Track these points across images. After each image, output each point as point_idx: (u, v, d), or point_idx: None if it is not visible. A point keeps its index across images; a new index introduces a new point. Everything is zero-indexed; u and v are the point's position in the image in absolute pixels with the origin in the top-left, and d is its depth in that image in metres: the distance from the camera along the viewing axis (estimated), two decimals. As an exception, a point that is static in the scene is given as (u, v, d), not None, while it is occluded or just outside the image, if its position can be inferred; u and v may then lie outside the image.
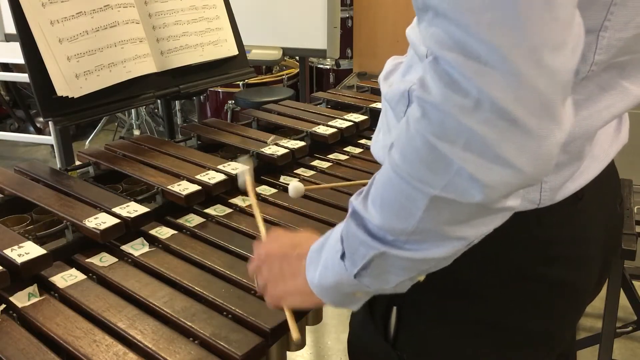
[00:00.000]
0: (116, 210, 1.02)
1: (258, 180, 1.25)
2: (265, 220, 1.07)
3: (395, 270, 0.59)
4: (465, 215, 0.53)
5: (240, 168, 0.94)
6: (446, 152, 0.49)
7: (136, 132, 4.04)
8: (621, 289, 1.66)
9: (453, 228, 0.54)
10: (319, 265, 0.64)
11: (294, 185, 0.95)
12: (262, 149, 1.29)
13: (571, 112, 0.50)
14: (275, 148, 1.30)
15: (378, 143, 0.79)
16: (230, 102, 3.17)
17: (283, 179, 1.25)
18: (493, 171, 0.48)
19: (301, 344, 0.77)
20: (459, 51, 0.47)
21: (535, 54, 0.45)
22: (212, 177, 1.15)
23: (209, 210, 1.11)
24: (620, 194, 0.80)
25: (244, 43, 1.63)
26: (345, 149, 1.43)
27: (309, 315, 0.96)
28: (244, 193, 0.96)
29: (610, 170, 0.74)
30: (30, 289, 0.86)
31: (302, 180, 1.25)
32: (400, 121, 0.72)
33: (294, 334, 0.72)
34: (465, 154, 0.48)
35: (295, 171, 1.30)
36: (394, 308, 0.73)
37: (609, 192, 0.75)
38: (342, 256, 0.61)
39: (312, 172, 1.30)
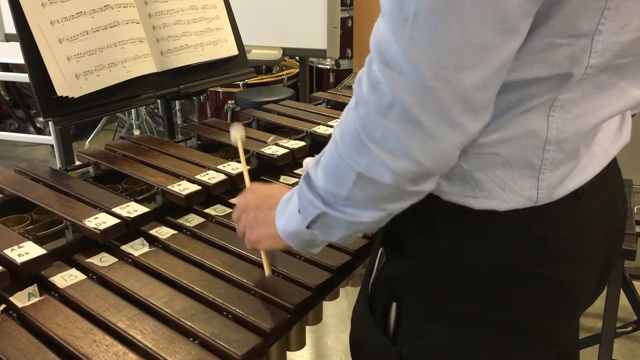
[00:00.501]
0: (116, 210, 1.02)
1: (258, 180, 1.25)
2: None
3: (337, 227, 0.68)
4: (384, 192, 0.62)
5: (234, 128, 1.04)
6: (366, 141, 0.59)
7: (136, 132, 4.04)
8: (621, 289, 1.66)
9: (376, 201, 0.63)
10: (284, 215, 0.75)
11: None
12: (262, 149, 1.29)
13: (482, 121, 0.58)
14: (275, 148, 1.30)
15: None
16: (230, 102, 3.17)
17: (283, 179, 1.25)
18: (399, 162, 0.58)
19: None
20: (385, 55, 0.55)
21: (442, 71, 0.53)
22: (212, 177, 1.15)
23: (209, 210, 1.11)
24: (624, 193, 0.80)
25: (244, 43, 1.63)
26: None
27: (309, 316, 0.96)
28: (236, 149, 1.06)
29: (612, 170, 0.74)
30: (30, 289, 0.86)
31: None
32: None
33: (267, 270, 0.87)
34: (380, 145, 0.58)
35: (295, 171, 1.30)
36: (394, 304, 0.73)
37: (611, 191, 0.75)
38: (299, 210, 0.70)
39: (312, 172, 1.30)
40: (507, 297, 0.68)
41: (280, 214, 0.76)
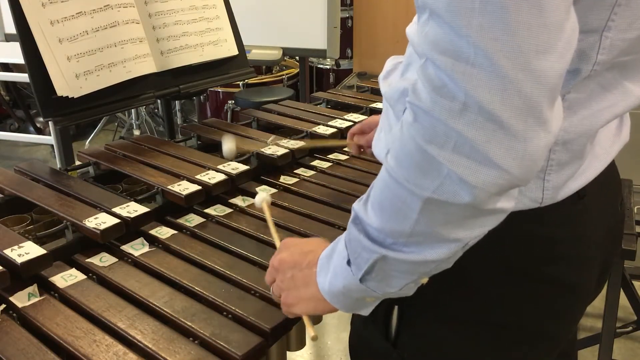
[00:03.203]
0: (116, 210, 1.02)
1: (258, 180, 1.25)
2: (266, 221, 1.07)
3: (398, 274, 0.59)
4: (458, 216, 0.54)
5: (260, 196, 0.96)
6: (436, 155, 0.50)
7: (136, 132, 4.04)
8: (621, 289, 1.66)
9: (448, 230, 0.55)
10: (328, 272, 0.65)
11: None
12: (262, 149, 1.29)
13: (560, 114, 0.51)
14: (275, 148, 1.30)
15: (380, 142, 0.79)
16: (230, 102, 3.17)
17: (283, 179, 1.25)
18: (480, 173, 0.49)
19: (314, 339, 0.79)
20: (449, 53, 0.48)
21: (521, 57, 0.46)
22: (212, 177, 1.15)
23: (209, 210, 1.11)
24: (621, 194, 0.80)
25: (244, 43, 1.63)
26: (345, 148, 1.43)
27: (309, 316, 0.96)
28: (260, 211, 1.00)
29: (612, 170, 0.74)
30: (30, 289, 0.86)
31: (302, 180, 1.25)
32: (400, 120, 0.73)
33: (311, 331, 0.73)
34: (454, 157, 0.50)
35: (295, 171, 1.30)
36: (396, 307, 0.73)
37: (611, 192, 0.75)
38: (348, 262, 0.62)
39: (312, 172, 1.30)
40: (512, 299, 0.67)
41: (322, 271, 0.67)
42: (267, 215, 0.93)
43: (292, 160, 1.31)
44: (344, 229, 1.03)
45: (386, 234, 0.57)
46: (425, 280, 0.62)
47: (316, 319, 1.01)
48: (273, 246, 0.99)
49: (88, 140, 3.91)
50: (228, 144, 0.97)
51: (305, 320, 0.73)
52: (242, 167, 1.20)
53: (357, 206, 0.62)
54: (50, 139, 3.11)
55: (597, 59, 0.58)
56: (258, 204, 0.96)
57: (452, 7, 0.47)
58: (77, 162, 1.33)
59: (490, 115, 0.47)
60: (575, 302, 0.72)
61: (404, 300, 0.72)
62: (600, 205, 0.71)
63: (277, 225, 1.05)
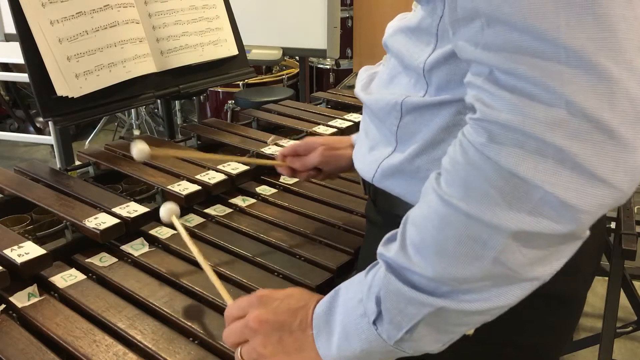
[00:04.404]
0: (116, 210, 1.02)
1: (258, 180, 1.25)
2: (265, 221, 1.07)
3: (450, 328, 0.50)
4: (547, 250, 0.45)
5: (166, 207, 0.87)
6: (527, 176, 0.42)
7: (136, 132, 4.03)
8: (621, 289, 1.65)
9: (530, 268, 0.46)
10: (333, 334, 0.55)
11: (138, 148, 0.84)
12: (262, 149, 1.29)
13: None
14: (275, 148, 1.30)
15: (365, 158, 0.75)
16: (230, 102, 3.17)
17: (283, 179, 1.25)
18: (588, 192, 0.42)
19: None
20: (533, 59, 0.42)
21: (622, 54, 0.40)
22: (212, 177, 1.15)
23: (209, 210, 1.11)
24: None
25: (244, 43, 1.63)
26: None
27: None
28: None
29: None
30: (30, 289, 0.86)
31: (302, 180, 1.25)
32: (390, 134, 0.69)
33: None
34: (551, 177, 0.42)
35: (295, 171, 1.30)
36: None
37: None
38: (377, 320, 0.52)
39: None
40: (502, 314, 0.66)
41: (322, 334, 0.56)
42: (181, 230, 0.82)
43: (292, 160, 1.31)
44: (344, 229, 1.04)
45: (443, 281, 0.48)
46: (471, 331, 0.54)
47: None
48: (274, 246, 0.99)
49: (88, 140, 3.91)
50: (138, 146, 0.85)
51: None
52: (242, 167, 1.20)
53: (389, 254, 0.51)
54: (50, 139, 3.11)
55: None
56: (166, 219, 0.87)
57: (526, 9, 0.41)
58: (77, 162, 1.33)
59: (598, 124, 0.41)
60: (569, 314, 0.70)
61: None
62: None
63: (277, 225, 1.05)
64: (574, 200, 0.42)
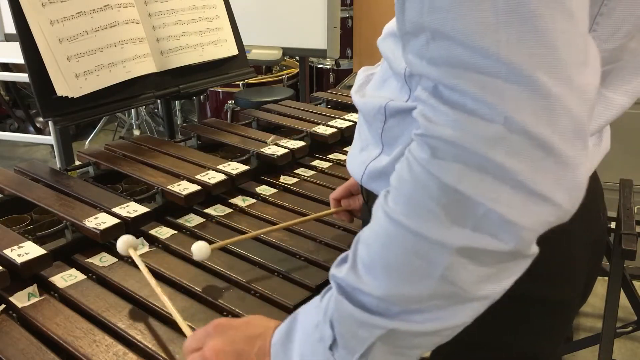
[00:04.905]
0: (116, 210, 1.02)
1: (258, 180, 1.25)
2: (266, 221, 1.07)
3: (404, 351, 0.49)
4: (493, 268, 0.45)
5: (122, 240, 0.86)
6: (469, 193, 0.42)
7: (136, 132, 4.04)
8: (621, 289, 1.65)
9: (478, 286, 0.45)
10: None
11: (197, 247, 0.85)
12: (262, 149, 1.29)
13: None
14: (275, 148, 1.30)
15: (355, 159, 0.75)
16: (230, 102, 3.17)
17: (283, 179, 1.25)
18: (529, 210, 0.42)
19: None
20: (475, 75, 0.41)
21: (561, 71, 0.40)
22: (212, 177, 1.15)
23: (209, 210, 1.11)
24: (604, 205, 0.78)
25: (244, 43, 1.63)
26: (345, 149, 1.43)
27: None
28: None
29: (593, 181, 0.70)
30: (30, 289, 0.86)
31: (302, 180, 1.25)
32: (377, 137, 0.69)
33: None
34: (494, 193, 0.41)
35: (295, 171, 1.30)
36: None
37: (593, 204, 0.72)
38: (332, 345, 0.50)
39: (312, 172, 1.30)
40: (493, 319, 0.64)
41: None
42: (141, 266, 0.81)
43: (292, 160, 1.31)
44: (345, 229, 1.04)
45: (393, 301, 0.47)
46: (427, 353, 0.54)
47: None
48: (273, 246, 0.99)
49: (88, 140, 3.91)
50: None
51: None
52: (242, 167, 1.20)
53: (340, 274, 0.50)
54: (50, 139, 3.11)
55: None
56: (123, 251, 0.86)
57: (469, 25, 0.41)
58: (77, 162, 1.33)
59: (537, 141, 0.40)
60: (560, 319, 0.70)
61: None
62: (583, 218, 0.69)
63: (277, 225, 1.05)
64: (515, 217, 0.42)
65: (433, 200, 0.43)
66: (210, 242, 1.00)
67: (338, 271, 0.51)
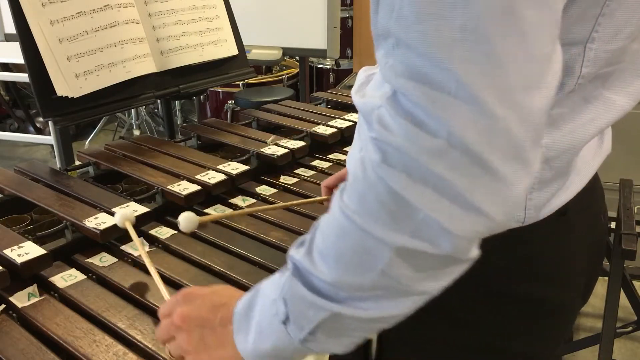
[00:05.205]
0: (116, 210, 1.02)
1: (258, 180, 1.25)
2: (265, 221, 1.07)
3: (349, 331, 0.53)
4: (430, 267, 0.48)
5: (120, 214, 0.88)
6: (411, 199, 0.45)
7: (136, 132, 4.04)
8: (621, 289, 1.66)
9: (416, 282, 0.49)
10: (250, 331, 0.57)
11: (184, 217, 0.84)
12: (262, 149, 1.29)
13: (540, 153, 0.47)
14: (275, 148, 1.30)
15: (355, 157, 0.75)
16: (230, 102, 3.17)
17: (283, 179, 1.25)
18: (464, 220, 0.45)
19: None
20: (427, 87, 0.43)
21: (508, 94, 0.42)
22: (212, 177, 1.15)
23: (209, 210, 1.11)
24: (605, 206, 0.78)
25: (244, 43, 1.63)
26: (345, 149, 1.43)
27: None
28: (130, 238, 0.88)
29: (594, 183, 0.71)
30: (30, 289, 0.86)
31: (302, 180, 1.25)
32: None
33: None
34: (432, 203, 0.44)
35: (295, 171, 1.30)
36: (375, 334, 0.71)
37: (593, 206, 0.72)
38: (285, 320, 0.54)
39: (312, 172, 1.30)
40: (491, 321, 0.65)
41: (241, 330, 0.58)
42: (134, 237, 0.84)
43: (292, 160, 1.31)
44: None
45: (340, 287, 0.50)
46: (373, 336, 0.58)
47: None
48: (273, 246, 0.99)
49: (88, 140, 3.92)
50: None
51: None
52: (242, 167, 1.20)
53: (297, 256, 0.53)
54: (50, 139, 3.11)
55: (581, 72, 0.56)
56: (120, 223, 0.89)
57: (428, 37, 0.43)
58: (77, 162, 1.33)
59: (476, 158, 0.43)
60: (559, 320, 0.69)
61: None
62: (583, 220, 0.69)
63: (277, 225, 1.06)
64: (451, 226, 0.45)
65: (380, 202, 0.46)
66: (210, 243, 1.01)
67: (296, 252, 0.54)
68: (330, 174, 1.28)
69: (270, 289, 0.56)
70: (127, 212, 0.89)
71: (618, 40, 0.56)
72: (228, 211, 1.01)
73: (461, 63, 0.42)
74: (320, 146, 1.41)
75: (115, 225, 0.97)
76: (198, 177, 1.15)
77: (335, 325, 0.52)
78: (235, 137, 1.40)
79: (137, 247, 0.81)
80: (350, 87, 2.56)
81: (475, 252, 0.49)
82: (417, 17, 0.43)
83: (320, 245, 0.52)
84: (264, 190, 1.20)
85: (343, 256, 0.50)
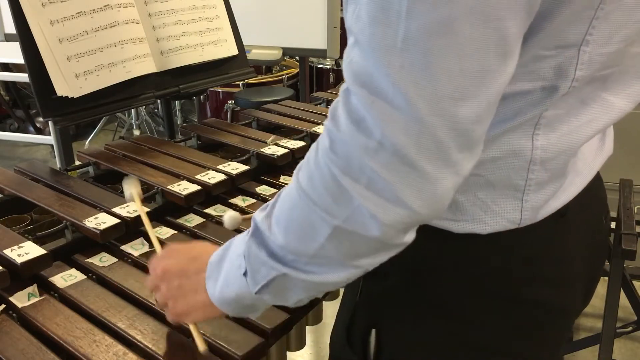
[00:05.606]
0: (116, 210, 1.02)
1: (258, 180, 1.25)
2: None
3: (296, 290, 0.59)
4: (363, 247, 0.54)
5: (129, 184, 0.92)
6: (348, 187, 0.50)
7: (136, 132, 4.04)
8: (621, 289, 1.66)
9: (351, 257, 0.55)
10: (219, 278, 0.64)
11: (229, 216, 0.95)
12: (262, 149, 1.29)
13: (474, 159, 0.51)
14: (275, 148, 1.30)
15: None
16: (230, 102, 3.17)
17: (283, 179, 1.25)
18: (391, 211, 0.50)
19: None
20: (369, 89, 0.48)
21: (440, 103, 0.46)
22: (212, 177, 1.15)
23: (209, 210, 1.11)
24: (607, 207, 0.78)
25: (244, 43, 1.63)
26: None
27: (309, 316, 0.96)
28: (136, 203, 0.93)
29: (596, 184, 0.71)
30: (30, 289, 0.86)
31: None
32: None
33: (200, 345, 0.71)
34: (366, 193, 0.50)
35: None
36: (373, 330, 0.71)
37: (594, 207, 0.72)
38: (245, 273, 0.61)
39: (312, 172, 1.30)
40: (489, 321, 0.65)
41: (211, 277, 0.65)
42: (139, 207, 0.89)
43: (292, 160, 1.31)
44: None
45: (289, 251, 0.57)
46: (321, 294, 0.63)
47: (316, 319, 1.01)
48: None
49: (88, 140, 3.92)
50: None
51: (194, 330, 0.71)
52: (242, 167, 1.20)
53: (259, 218, 0.60)
54: (50, 139, 3.11)
55: (575, 75, 0.56)
56: (128, 197, 0.92)
57: (375, 41, 0.47)
58: (77, 162, 1.34)
59: (404, 158, 0.48)
60: (557, 322, 0.69)
61: (381, 323, 0.70)
62: (584, 222, 0.68)
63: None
64: (379, 215, 0.50)
65: (324, 184, 0.52)
66: (210, 242, 1.00)
67: (258, 215, 0.60)
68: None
69: (238, 245, 0.63)
70: (134, 181, 0.92)
71: (613, 43, 0.55)
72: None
73: (399, 70, 0.46)
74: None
75: (115, 225, 0.97)
76: (198, 177, 1.15)
77: (283, 283, 0.59)
78: (235, 137, 1.40)
79: (145, 222, 0.87)
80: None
81: (407, 238, 0.54)
82: (369, 21, 0.47)
83: (276, 212, 0.58)
84: (264, 190, 1.20)
85: (291, 225, 0.56)
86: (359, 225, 0.51)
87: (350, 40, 0.51)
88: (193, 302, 0.68)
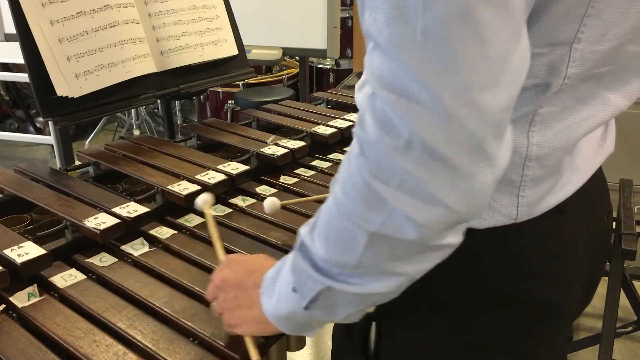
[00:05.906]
0: (116, 210, 1.02)
1: (258, 180, 1.25)
2: (266, 221, 1.07)
3: (343, 304, 0.59)
4: (403, 252, 0.53)
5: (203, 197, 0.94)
6: (381, 191, 0.49)
7: (136, 132, 4.04)
8: (621, 289, 1.66)
9: (393, 264, 0.54)
10: (273, 295, 0.64)
11: (270, 201, 0.98)
12: (262, 149, 1.29)
13: (508, 147, 0.50)
14: (275, 148, 1.30)
15: None
16: (230, 102, 3.17)
17: (283, 179, 1.25)
18: (426, 211, 0.49)
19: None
20: (393, 88, 0.47)
21: (465, 93, 0.45)
22: (212, 177, 1.15)
23: (209, 211, 1.11)
24: (609, 205, 0.78)
25: (244, 43, 1.63)
26: (345, 148, 1.43)
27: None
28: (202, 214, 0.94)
29: (597, 181, 0.71)
30: (30, 289, 0.86)
31: (302, 180, 1.25)
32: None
33: (254, 356, 0.70)
34: (399, 194, 0.49)
35: (295, 171, 1.30)
36: (373, 324, 0.71)
37: (595, 204, 0.72)
38: (294, 289, 0.61)
39: (312, 172, 1.30)
40: (486, 317, 0.66)
41: (266, 293, 0.66)
42: (210, 220, 0.87)
43: (292, 160, 1.31)
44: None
45: (331, 264, 0.56)
46: (372, 308, 0.62)
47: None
48: (273, 246, 0.99)
49: (88, 140, 3.92)
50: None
51: (248, 342, 0.71)
52: (242, 167, 1.20)
53: (304, 233, 0.60)
54: (50, 139, 3.11)
55: (567, 72, 0.56)
56: (199, 206, 0.93)
57: (394, 39, 0.46)
58: (77, 162, 1.33)
59: (434, 153, 0.47)
60: (555, 321, 0.69)
61: (381, 317, 0.70)
62: (583, 219, 0.68)
63: (277, 225, 1.06)
64: (414, 216, 0.49)
65: (357, 190, 0.51)
66: (210, 243, 1.00)
67: (303, 229, 0.61)
68: (330, 174, 1.28)
69: (291, 261, 0.62)
70: (208, 197, 0.94)
71: (605, 41, 0.55)
72: (303, 199, 1.11)
73: (421, 64, 0.45)
74: (320, 146, 1.41)
75: (115, 225, 0.97)
76: (198, 177, 1.15)
77: (330, 297, 0.58)
78: (235, 137, 1.40)
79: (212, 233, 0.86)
80: (350, 87, 2.56)
81: (450, 240, 0.53)
82: (386, 21, 0.46)
83: (319, 225, 0.58)
84: (264, 190, 1.20)
85: (330, 236, 0.56)
86: (395, 229, 0.50)
87: (369, 46, 0.50)
88: (247, 315, 0.68)
